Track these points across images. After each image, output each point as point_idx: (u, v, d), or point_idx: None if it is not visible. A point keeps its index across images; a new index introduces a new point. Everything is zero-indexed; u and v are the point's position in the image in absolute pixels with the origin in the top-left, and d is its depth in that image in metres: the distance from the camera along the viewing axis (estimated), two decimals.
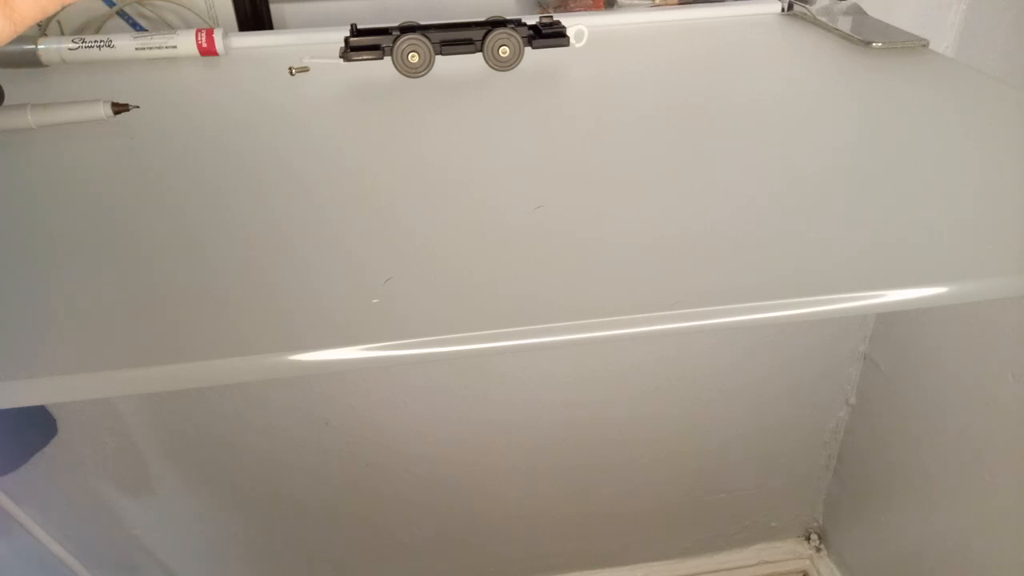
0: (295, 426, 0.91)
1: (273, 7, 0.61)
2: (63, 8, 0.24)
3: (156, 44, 0.52)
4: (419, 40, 0.47)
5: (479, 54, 0.49)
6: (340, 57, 0.48)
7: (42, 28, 0.57)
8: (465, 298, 0.29)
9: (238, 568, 1.06)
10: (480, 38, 0.48)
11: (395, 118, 0.46)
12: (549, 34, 0.50)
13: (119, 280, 0.30)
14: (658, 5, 0.60)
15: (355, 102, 0.49)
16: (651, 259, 0.31)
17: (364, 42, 0.48)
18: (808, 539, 1.19)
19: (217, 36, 0.53)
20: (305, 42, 0.56)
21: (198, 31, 0.53)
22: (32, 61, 0.51)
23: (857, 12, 0.59)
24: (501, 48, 0.48)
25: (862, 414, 1.03)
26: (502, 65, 0.49)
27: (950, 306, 0.65)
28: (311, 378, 0.87)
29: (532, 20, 0.51)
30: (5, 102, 0.45)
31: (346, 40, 0.48)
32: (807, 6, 0.59)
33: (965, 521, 0.84)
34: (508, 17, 0.50)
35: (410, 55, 0.47)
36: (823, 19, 0.57)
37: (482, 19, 0.50)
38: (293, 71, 0.50)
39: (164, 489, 0.94)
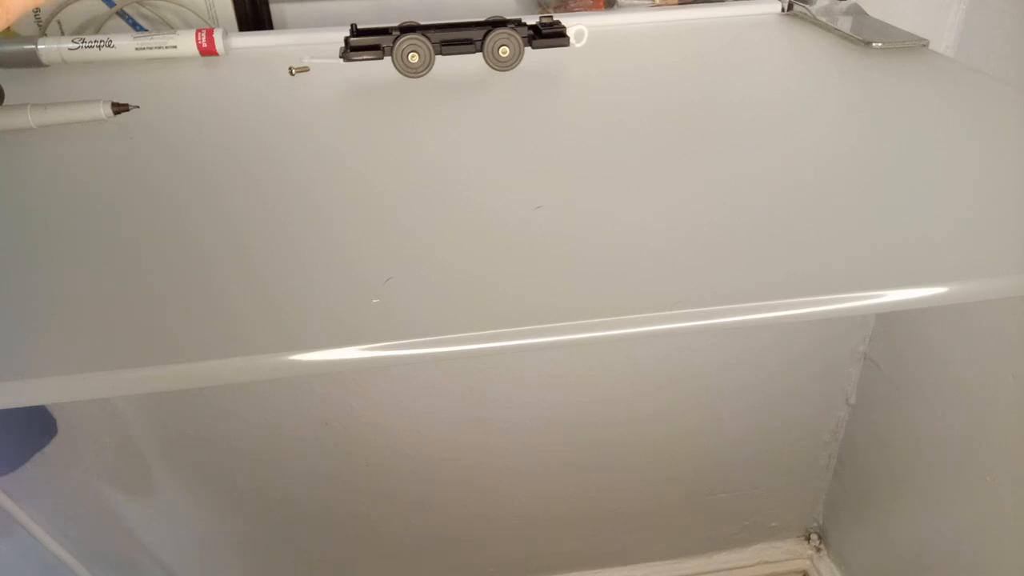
0: (295, 426, 0.91)
1: (273, 7, 0.61)
2: (57, 4, 0.23)
3: (156, 44, 0.52)
4: (419, 40, 0.47)
5: (479, 54, 0.49)
6: (340, 57, 0.48)
7: (42, 28, 0.57)
8: (465, 298, 0.28)
9: (238, 568, 1.06)
10: (480, 38, 0.48)
11: (395, 118, 0.46)
12: (549, 34, 0.50)
13: (119, 280, 0.30)
14: (658, 5, 0.60)
15: (355, 102, 0.49)
16: (651, 259, 0.31)
17: (364, 42, 0.48)
18: (808, 539, 1.19)
19: (217, 36, 0.53)
20: (305, 42, 0.56)
21: (198, 31, 0.53)
22: (32, 61, 0.51)
23: (857, 12, 0.59)
24: (501, 48, 0.48)
25: (862, 414, 1.03)
26: (502, 65, 0.49)
27: (950, 306, 0.65)
28: (311, 378, 0.87)
29: (532, 20, 0.51)
30: (5, 102, 0.45)
31: (346, 40, 0.48)
32: (807, 6, 0.59)
33: (965, 521, 0.84)
34: (508, 17, 0.50)
35: (410, 55, 0.47)
36: (823, 19, 0.57)
37: (482, 19, 0.50)
38: (293, 71, 0.50)
39: (164, 489, 0.94)
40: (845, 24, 0.56)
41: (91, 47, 0.51)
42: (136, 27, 0.59)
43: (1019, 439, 0.75)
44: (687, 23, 0.59)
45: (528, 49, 0.49)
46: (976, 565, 0.83)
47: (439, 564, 1.11)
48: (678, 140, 0.42)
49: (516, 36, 0.48)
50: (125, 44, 0.52)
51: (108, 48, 0.52)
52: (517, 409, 0.95)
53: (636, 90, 0.49)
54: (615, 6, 0.61)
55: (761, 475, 1.10)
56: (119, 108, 0.43)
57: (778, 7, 0.61)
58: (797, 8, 0.60)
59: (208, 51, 0.53)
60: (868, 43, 0.52)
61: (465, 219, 0.34)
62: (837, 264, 0.30)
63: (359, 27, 0.50)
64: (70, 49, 0.51)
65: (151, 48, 0.52)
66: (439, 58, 0.48)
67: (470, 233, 0.33)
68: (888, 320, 0.93)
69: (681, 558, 1.17)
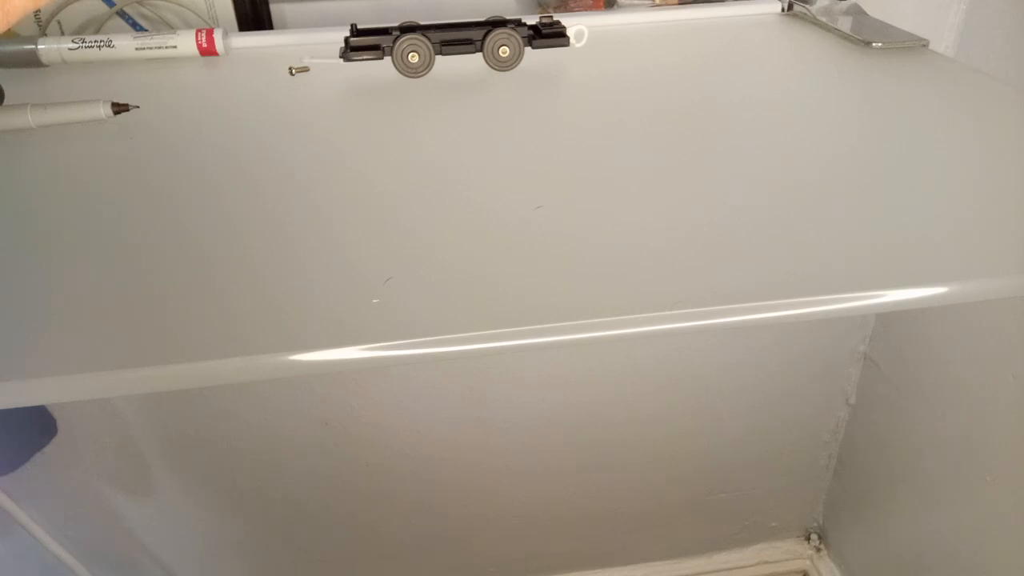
0: (295, 426, 0.91)
1: (273, 7, 0.61)
2: (57, 4, 0.23)
3: (156, 44, 0.52)
4: (419, 40, 0.47)
5: (479, 54, 0.49)
6: (340, 57, 0.48)
7: (42, 28, 0.57)
8: (465, 298, 0.29)
9: (238, 568, 1.06)
10: (480, 38, 0.48)
11: (395, 118, 0.46)
12: (549, 34, 0.50)
13: (119, 280, 0.30)
14: (658, 5, 0.60)
15: (355, 102, 0.49)
16: (651, 259, 0.31)
17: (364, 42, 0.48)
18: (808, 539, 1.19)
19: (217, 36, 0.53)
20: (305, 42, 0.56)
21: (198, 31, 0.53)
22: (32, 61, 0.51)
23: (857, 12, 0.59)
24: (501, 48, 0.48)
25: (862, 414, 1.03)
26: (502, 65, 0.49)
27: (950, 306, 0.65)
28: (311, 378, 0.87)
29: (532, 20, 0.51)
30: (5, 102, 0.45)
31: (346, 40, 0.48)
32: (807, 6, 0.59)
33: (965, 521, 0.84)
34: (508, 17, 0.50)
35: (410, 55, 0.47)
36: (823, 19, 0.57)
37: (482, 19, 0.50)
38: (293, 71, 0.50)
39: (164, 489, 0.94)
40: (845, 24, 0.56)
41: (91, 47, 0.51)
42: (136, 27, 0.59)
43: (1019, 439, 0.75)
44: (687, 23, 0.59)
45: (528, 49, 0.49)
46: (976, 565, 0.83)
47: (439, 564, 1.11)
48: (678, 140, 0.42)
49: (516, 36, 0.48)
50: (125, 44, 0.52)
51: (108, 48, 0.52)
52: (517, 409, 0.95)
53: (636, 90, 0.49)
54: (615, 6, 0.61)
55: (761, 475, 1.10)
56: (119, 108, 0.43)
57: (778, 7, 0.61)
58: (797, 8, 0.60)
59: (208, 51, 0.53)
60: (868, 43, 0.52)
61: (465, 219, 0.34)
62: (837, 264, 0.30)
63: (359, 27, 0.50)
64: (70, 49, 0.51)
65: (151, 48, 0.52)
66: (439, 58, 0.48)
67: (470, 233, 0.33)
68: (888, 320, 0.94)
69: (681, 558, 1.17)
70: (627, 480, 1.06)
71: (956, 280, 0.29)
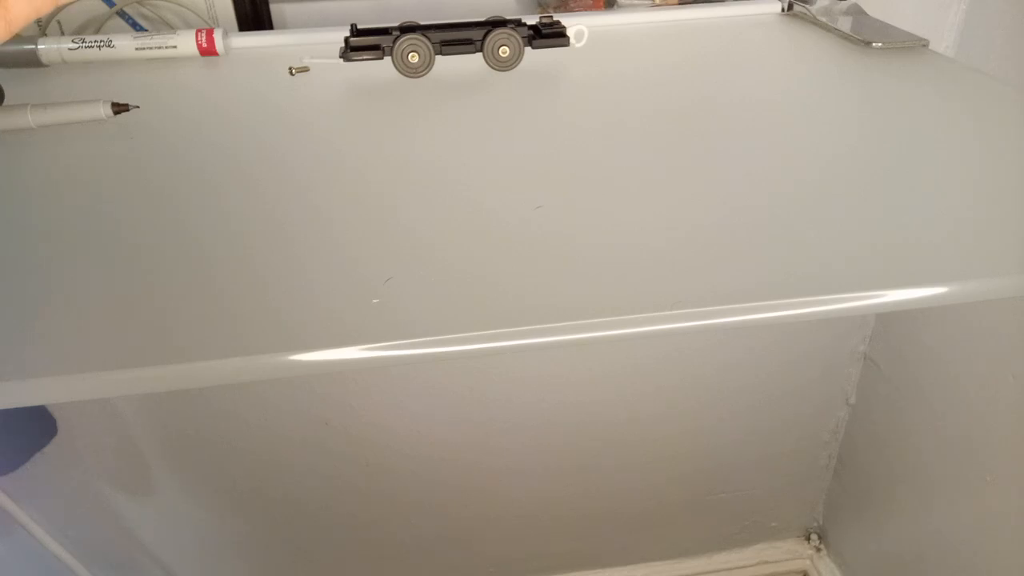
0: (295, 426, 0.91)
1: (273, 7, 0.61)
2: (57, 9, 0.24)
3: (156, 44, 0.52)
4: (419, 40, 0.47)
5: (479, 54, 0.49)
6: (340, 57, 0.48)
7: (42, 28, 0.57)
8: (465, 298, 0.29)
9: (238, 568, 1.06)
10: (480, 38, 0.48)
11: (395, 118, 0.46)
12: (549, 34, 0.50)
13: (119, 280, 0.30)
14: (658, 5, 0.60)
15: (355, 102, 0.49)
16: (651, 259, 0.31)
17: (364, 42, 0.48)
18: (808, 539, 1.19)
19: (217, 36, 0.53)
20: (305, 42, 0.56)
21: (198, 31, 0.53)
22: (32, 61, 0.51)
23: (857, 12, 0.59)
24: (501, 48, 0.48)
25: (862, 414, 1.03)
26: (502, 65, 0.49)
27: (950, 306, 0.65)
28: (311, 378, 0.87)
29: (532, 20, 0.51)
30: (5, 102, 0.45)
31: (346, 40, 0.48)
32: (807, 6, 0.59)
33: (965, 521, 0.84)
34: (508, 17, 0.50)
35: (410, 55, 0.47)
36: (823, 19, 0.57)
37: (482, 19, 0.50)
38: (293, 71, 0.50)
39: (164, 489, 0.94)
40: (845, 24, 0.56)
41: (91, 47, 0.51)
42: (136, 27, 0.59)
43: (1019, 439, 0.75)
44: (687, 23, 0.59)
45: (528, 49, 0.49)
46: (976, 565, 0.83)
47: (439, 564, 1.11)
48: (678, 140, 0.42)
49: (516, 36, 0.48)
50: (125, 44, 0.52)
51: (108, 48, 0.52)
52: (517, 409, 0.95)
53: (636, 90, 0.49)
54: (615, 6, 0.61)
55: (761, 475, 1.10)
56: (119, 108, 0.43)
57: (778, 7, 0.61)
58: (797, 8, 0.60)
59: (208, 51, 0.53)
60: (868, 43, 0.52)
61: (465, 219, 0.34)
62: (837, 264, 0.30)
63: (359, 27, 0.50)
64: (70, 49, 0.51)
65: (151, 48, 0.52)
66: (439, 58, 0.48)
67: (470, 233, 0.33)
68: (888, 320, 0.94)
69: (681, 558, 1.17)
70: (627, 480, 1.06)
71: (956, 280, 0.29)
